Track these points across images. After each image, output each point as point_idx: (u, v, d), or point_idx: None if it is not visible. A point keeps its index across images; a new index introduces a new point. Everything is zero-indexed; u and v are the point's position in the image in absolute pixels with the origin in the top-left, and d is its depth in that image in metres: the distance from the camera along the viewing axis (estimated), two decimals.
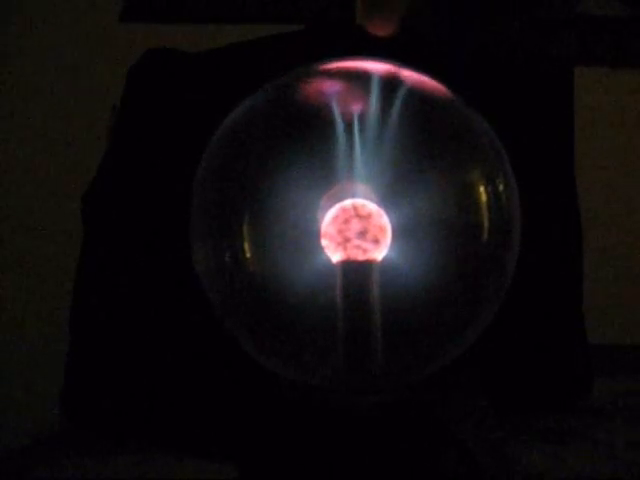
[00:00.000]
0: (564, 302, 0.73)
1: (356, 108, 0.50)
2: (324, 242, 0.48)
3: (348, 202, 0.48)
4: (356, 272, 0.47)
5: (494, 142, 0.52)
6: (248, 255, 0.50)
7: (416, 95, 0.52)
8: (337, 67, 0.52)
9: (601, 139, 1.21)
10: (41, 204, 1.20)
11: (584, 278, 0.74)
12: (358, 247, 0.47)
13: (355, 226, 0.48)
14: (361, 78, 0.52)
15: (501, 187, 0.51)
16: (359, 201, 0.48)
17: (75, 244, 0.75)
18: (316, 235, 0.48)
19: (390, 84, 0.51)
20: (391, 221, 0.48)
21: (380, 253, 0.48)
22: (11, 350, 1.17)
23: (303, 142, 0.49)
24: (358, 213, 0.48)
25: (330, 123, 0.50)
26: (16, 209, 1.21)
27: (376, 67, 0.52)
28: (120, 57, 0.88)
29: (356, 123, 0.50)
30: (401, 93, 0.51)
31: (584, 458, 0.60)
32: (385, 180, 0.49)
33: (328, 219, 0.48)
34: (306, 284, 0.48)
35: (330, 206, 0.48)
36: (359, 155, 0.49)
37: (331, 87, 0.51)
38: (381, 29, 0.52)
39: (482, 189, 0.50)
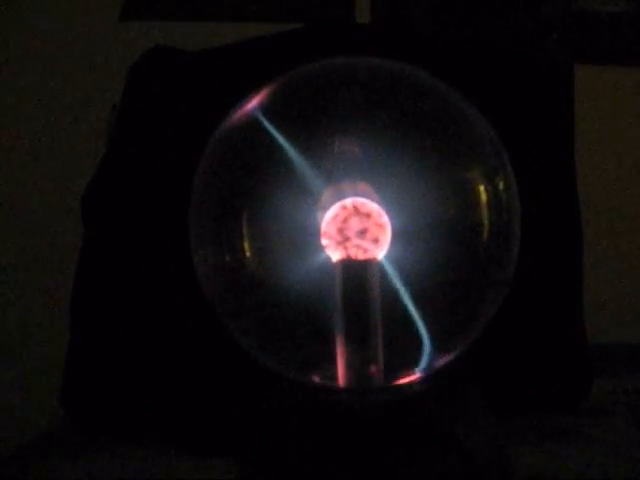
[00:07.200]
0: (564, 301, 0.73)
1: (355, 107, 0.50)
2: (324, 241, 0.48)
3: (348, 201, 0.48)
4: (356, 271, 0.47)
5: (494, 141, 0.52)
6: (248, 255, 0.50)
7: (415, 93, 0.52)
8: (336, 66, 0.52)
9: (601, 138, 1.21)
10: (40, 204, 1.20)
11: (584, 277, 0.74)
12: (358, 246, 0.47)
13: (355, 225, 0.47)
14: (360, 77, 0.52)
15: (501, 186, 0.51)
16: (359, 200, 0.48)
17: (75, 244, 0.75)
18: (316, 234, 0.48)
19: (389, 83, 0.51)
20: (391, 220, 0.48)
21: (380, 252, 0.48)
22: (11, 350, 1.17)
23: (302, 141, 0.49)
24: (358, 212, 0.48)
25: (329, 122, 0.50)
26: (15, 209, 1.21)
27: (375, 66, 0.52)
28: (120, 56, 0.88)
29: (356, 122, 0.50)
30: (400, 91, 0.51)
31: (584, 458, 0.60)
32: (385, 179, 0.49)
33: (328, 218, 0.48)
34: (306, 283, 0.48)
35: (330, 205, 0.48)
36: (359, 154, 0.49)
37: (331, 86, 0.51)
38: None
39: (482, 188, 0.50)
